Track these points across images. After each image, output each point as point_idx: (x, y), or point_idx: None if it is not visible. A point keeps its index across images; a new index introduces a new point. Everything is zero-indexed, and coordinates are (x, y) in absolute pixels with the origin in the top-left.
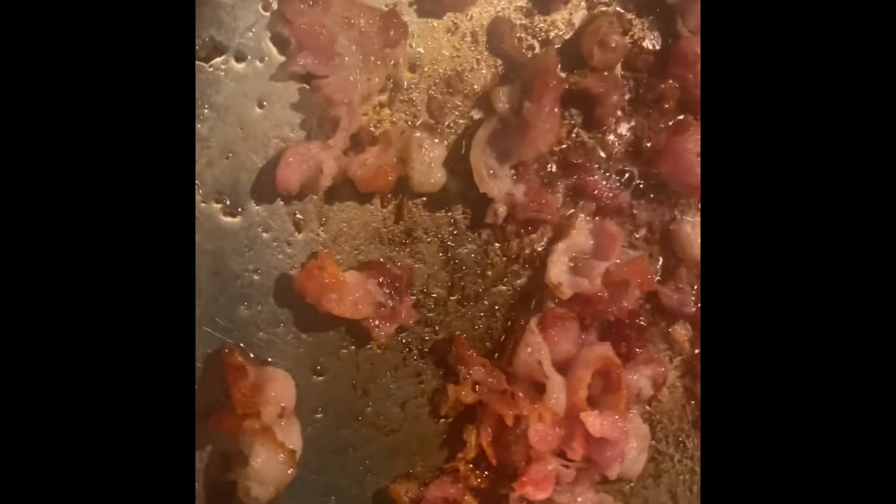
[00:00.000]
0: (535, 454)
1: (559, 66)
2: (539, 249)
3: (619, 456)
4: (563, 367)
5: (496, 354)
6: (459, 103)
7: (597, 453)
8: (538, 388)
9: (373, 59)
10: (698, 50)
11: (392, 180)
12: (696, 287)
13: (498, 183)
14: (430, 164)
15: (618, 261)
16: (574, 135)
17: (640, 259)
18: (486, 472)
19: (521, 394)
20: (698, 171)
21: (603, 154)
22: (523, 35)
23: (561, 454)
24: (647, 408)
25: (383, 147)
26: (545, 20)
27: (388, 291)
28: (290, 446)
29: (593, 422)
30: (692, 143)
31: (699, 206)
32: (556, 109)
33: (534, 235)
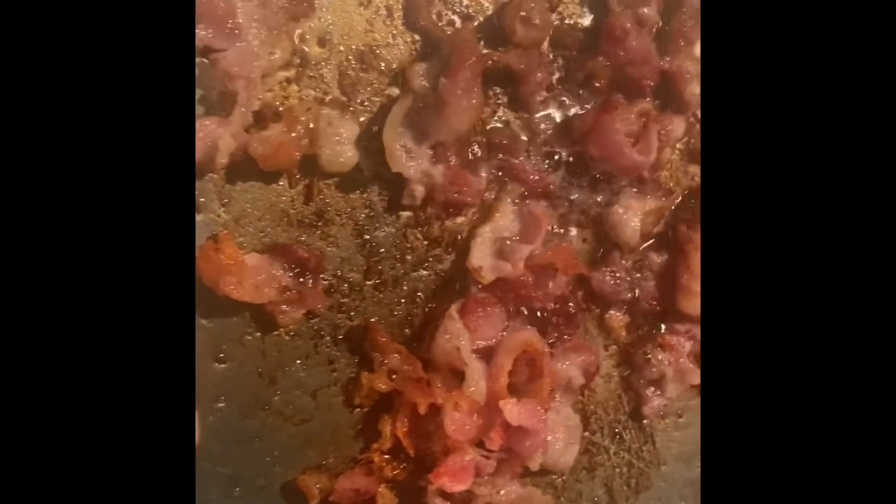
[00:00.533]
0: (452, 444)
1: (482, 42)
2: (464, 233)
3: (540, 446)
4: (488, 354)
5: (416, 342)
6: (374, 80)
7: (516, 443)
8: (458, 377)
9: (276, 32)
10: (628, 25)
11: (296, 158)
12: (631, 272)
13: (414, 163)
14: (339, 143)
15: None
16: (500, 115)
17: (568, 243)
18: (405, 464)
19: (439, 382)
20: (627, 151)
21: (527, 136)
22: (443, 10)
23: (481, 444)
24: (580, 398)
25: (287, 124)
26: None
27: (294, 275)
28: None
29: (511, 410)
30: (620, 123)
31: (633, 188)
32: (476, 87)
33: (458, 219)
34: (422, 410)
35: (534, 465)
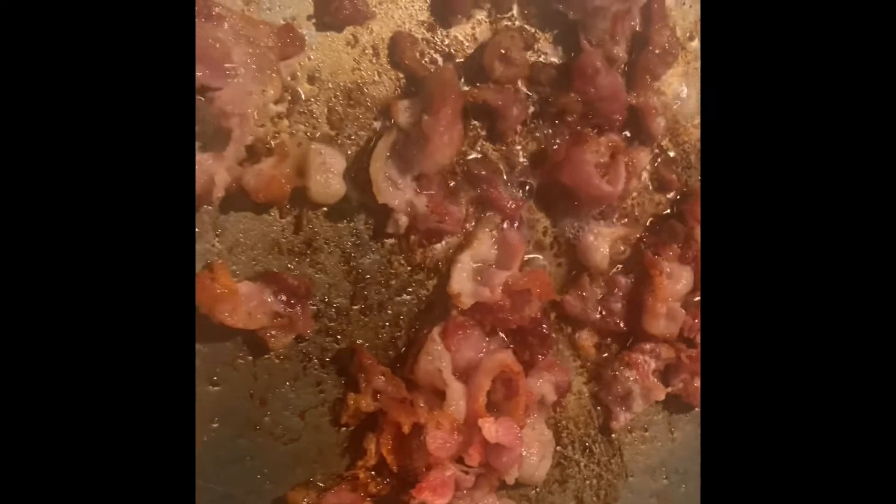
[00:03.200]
0: (434, 460)
1: (462, 79)
2: (444, 259)
3: (515, 461)
4: (466, 375)
5: (400, 363)
6: (360, 115)
7: (494, 459)
8: (440, 396)
9: (268, 71)
10: (598, 63)
11: (287, 190)
12: (600, 295)
13: (399, 194)
14: (327, 175)
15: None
16: (479, 147)
17: (542, 269)
18: (388, 480)
19: (422, 402)
20: (597, 181)
21: (505, 167)
22: (426, 49)
23: (461, 460)
24: (553, 414)
25: (279, 158)
26: (448, 35)
27: (284, 301)
28: None
29: (489, 428)
30: (590, 155)
31: (603, 216)
32: (457, 123)
33: (438, 245)
34: (406, 429)
35: (510, 480)
